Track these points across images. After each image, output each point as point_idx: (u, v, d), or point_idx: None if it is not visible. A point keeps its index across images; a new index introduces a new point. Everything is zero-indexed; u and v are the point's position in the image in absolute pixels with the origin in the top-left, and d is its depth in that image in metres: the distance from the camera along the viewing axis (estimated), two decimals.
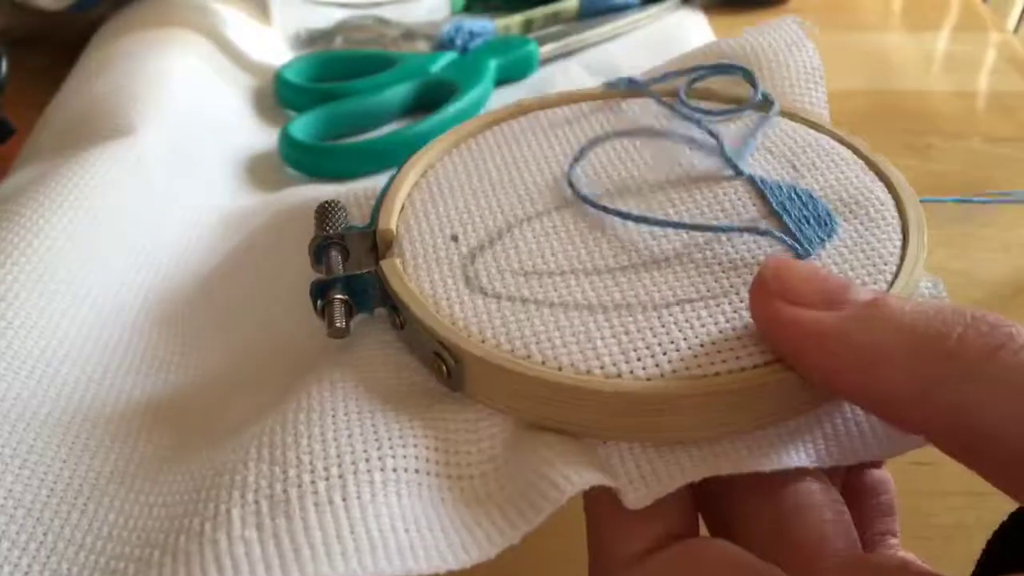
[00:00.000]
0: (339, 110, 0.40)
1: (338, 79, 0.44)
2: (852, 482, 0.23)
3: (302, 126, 0.39)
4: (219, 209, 0.34)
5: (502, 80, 0.45)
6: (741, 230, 0.22)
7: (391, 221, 0.24)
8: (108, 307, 0.27)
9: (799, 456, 0.19)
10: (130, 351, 0.26)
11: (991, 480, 0.16)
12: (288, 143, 0.38)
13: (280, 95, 0.43)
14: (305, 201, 0.30)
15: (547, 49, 0.47)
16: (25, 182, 0.31)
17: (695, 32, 0.52)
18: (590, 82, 0.45)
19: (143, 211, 0.31)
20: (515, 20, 0.49)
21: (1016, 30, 0.58)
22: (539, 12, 0.50)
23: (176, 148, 0.35)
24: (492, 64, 0.44)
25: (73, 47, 0.45)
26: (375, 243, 0.23)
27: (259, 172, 0.38)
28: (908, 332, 0.16)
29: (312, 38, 0.49)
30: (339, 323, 0.21)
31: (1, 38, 0.43)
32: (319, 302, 0.22)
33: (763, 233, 0.22)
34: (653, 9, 0.52)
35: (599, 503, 0.19)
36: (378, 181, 0.27)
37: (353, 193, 0.27)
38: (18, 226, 0.26)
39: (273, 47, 0.48)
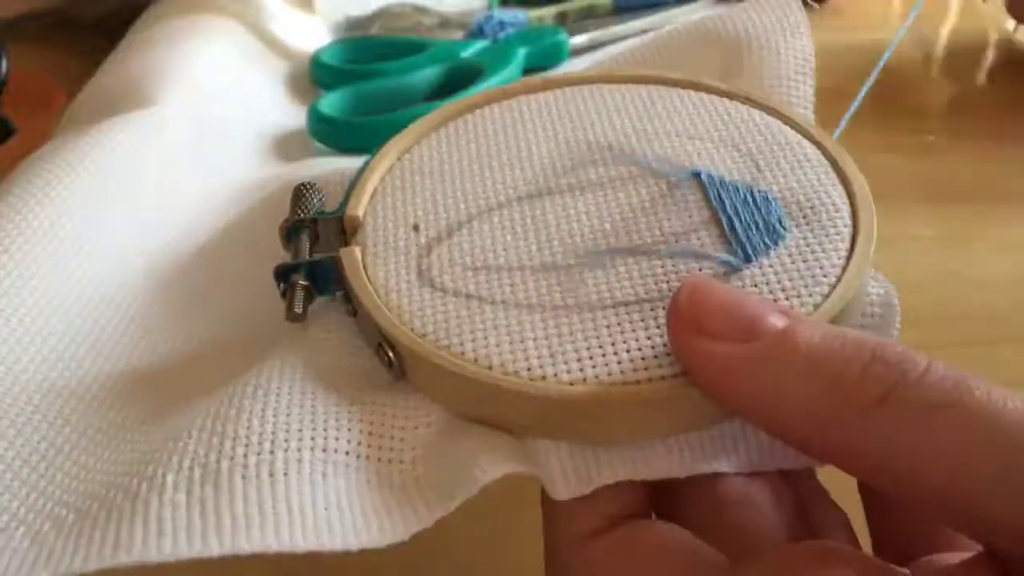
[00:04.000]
0: (368, 89, 0.42)
1: (372, 62, 0.45)
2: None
3: (331, 102, 0.40)
4: (241, 181, 0.35)
5: (531, 69, 0.46)
6: (687, 255, 0.22)
7: (359, 207, 0.24)
8: (109, 266, 0.28)
9: (719, 463, 0.19)
10: (121, 311, 0.27)
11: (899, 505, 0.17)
12: (315, 117, 0.39)
13: (315, 76, 0.44)
14: (322, 174, 0.30)
15: (579, 40, 0.48)
16: (48, 151, 0.32)
17: None
18: None
19: (160, 178, 0.32)
20: (549, 12, 0.50)
21: (1016, 30, 0.58)
22: (573, 5, 0.51)
23: (200, 122, 0.36)
24: (521, 52, 0.44)
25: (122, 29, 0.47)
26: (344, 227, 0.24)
27: (286, 149, 0.40)
28: (814, 370, 0.17)
29: (352, 25, 0.51)
30: (297, 308, 0.22)
31: (44, 20, 0.45)
32: (282, 285, 0.23)
33: (701, 257, 0.22)
34: (688, 6, 0.53)
35: None
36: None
37: (339, 174, 0.28)
38: (33, 186, 0.28)
39: (314, 34, 0.50)
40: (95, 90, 0.40)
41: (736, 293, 0.19)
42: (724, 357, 0.18)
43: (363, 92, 0.41)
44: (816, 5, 0.30)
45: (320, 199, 0.25)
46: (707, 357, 0.18)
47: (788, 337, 0.17)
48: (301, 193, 0.25)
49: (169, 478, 0.18)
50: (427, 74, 0.43)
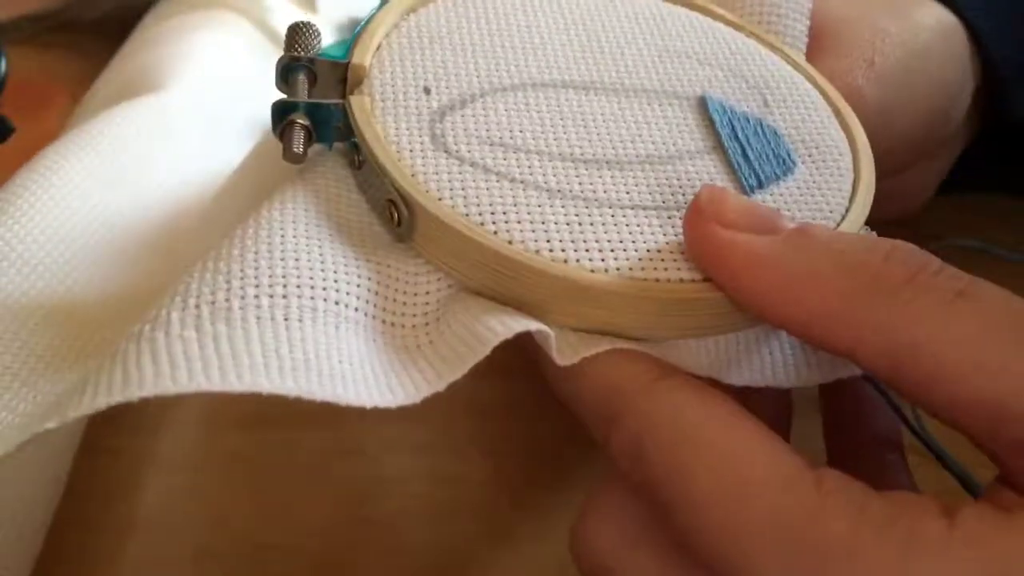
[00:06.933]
0: None
1: None
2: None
3: None
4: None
5: None
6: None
7: (366, 57, 0.23)
8: (117, 229, 0.28)
9: (730, 374, 0.20)
10: (139, 261, 0.27)
11: (912, 398, 0.17)
12: None
13: None
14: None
15: None
16: (58, 140, 0.32)
17: None
18: None
19: (163, 158, 0.32)
20: None
21: None
22: None
23: (202, 109, 0.36)
24: None
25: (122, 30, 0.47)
26: (346, 76, 0.22)
27: None
28: (837, 254, 0.17)
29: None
30: (296, 147, 0.21)
31: (43, 22, 0.45)
32: (278, 124, 0.21)
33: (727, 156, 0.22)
34: None
35: None
36: None
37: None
38: (41, 165, 0.28)
39: None
40: (102, 88, 0.40)
41: (749, 199, 0.20)
42: (750, 244, 0.18)
43: None
44: None
45: (319, 41, 0.23)
46: (730, 246, 0.18)
47: (806, 231, 0.18)
48: (298, 30, 0.23)
49: (175, 316, 0.17)
50: None
